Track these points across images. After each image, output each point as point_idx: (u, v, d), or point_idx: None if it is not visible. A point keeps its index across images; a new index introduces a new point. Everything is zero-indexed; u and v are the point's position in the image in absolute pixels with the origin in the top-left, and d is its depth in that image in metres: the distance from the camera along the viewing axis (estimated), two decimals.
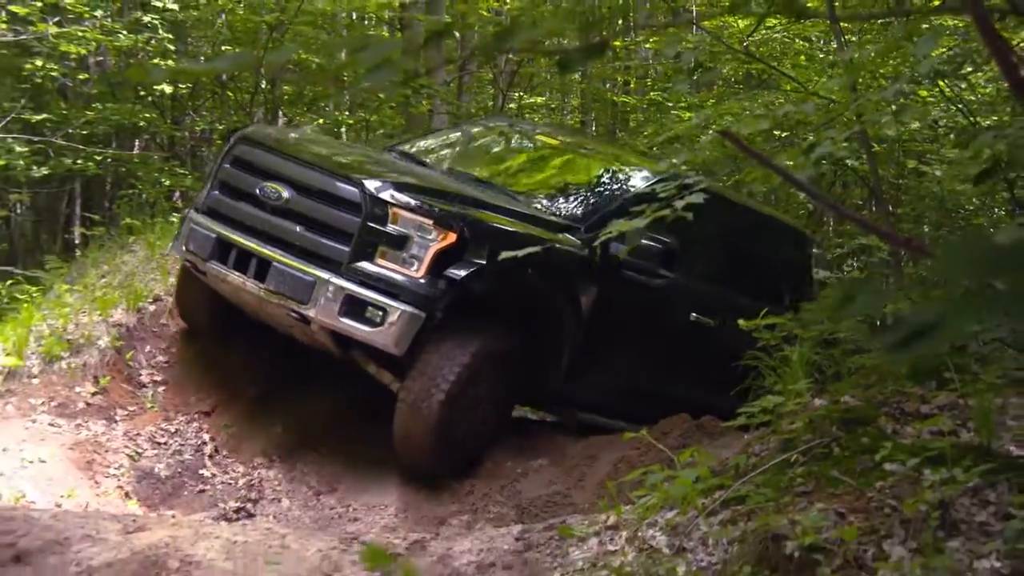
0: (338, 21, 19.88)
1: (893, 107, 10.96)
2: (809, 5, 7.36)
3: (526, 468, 8.65)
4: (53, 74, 16.52)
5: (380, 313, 7.91)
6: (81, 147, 16.66)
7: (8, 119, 15.91)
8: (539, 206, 9.63)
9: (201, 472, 8.79)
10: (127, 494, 8.20)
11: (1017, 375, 5.43)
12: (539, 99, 23.95)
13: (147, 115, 17.19)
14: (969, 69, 10.51)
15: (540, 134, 11.27)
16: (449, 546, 5.76)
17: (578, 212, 9.61)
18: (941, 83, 10.42)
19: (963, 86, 10.50)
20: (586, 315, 9.00)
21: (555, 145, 11.00)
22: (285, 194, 8.42)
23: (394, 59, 2.79)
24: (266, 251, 8.36)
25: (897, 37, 7.81)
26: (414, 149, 11.13)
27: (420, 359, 8.19)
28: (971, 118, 10.30)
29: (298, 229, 8.33)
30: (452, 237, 8.00)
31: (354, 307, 7.97)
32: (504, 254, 7.16)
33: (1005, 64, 2.55)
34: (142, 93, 17.84)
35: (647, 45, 16.33)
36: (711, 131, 11.51)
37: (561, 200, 9.98)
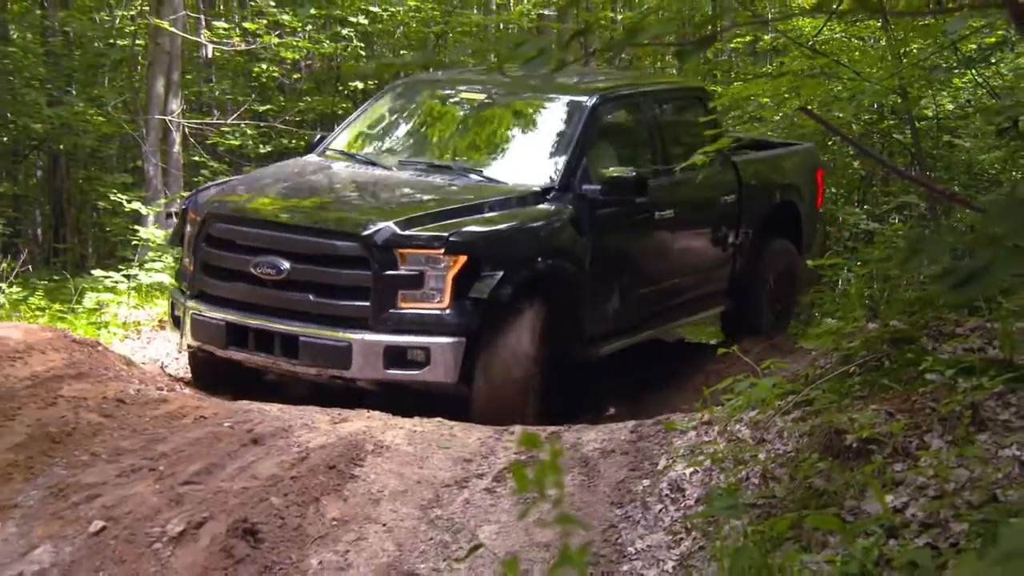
0: (488, 32, 19.85)
1: (932, 88, 10.85)
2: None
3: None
4: (274, 74, 18.36)
5: (422, 353, 6.79)
6: (295, 129, 17.62)
7: (242, 109, 17.47)
8: (507, 179, 7.99)
9: None
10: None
11: None
12: None
13: (344, 105, 17.73)
14: (993, 61, 10.34)
15: (464, 93, 9.26)
16: (579, 436, 5.84)
17: (548, 172, 7.92)
18: (971, 72, 10.29)
19: (988, 74, 10.32)
20: (589, 265, 7.72)
21: (481, 100, 9.01)
22: (284, 266, 6.99)
23: (547, 51, 2.89)
24: (286, 327, 7.01)
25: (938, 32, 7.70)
26: (351, 145, 8.95)
27: (484, 354, 6.93)
28: (996, 98, 10.17)
29: (311, 297, 7.02)
30: (462, 260, 6.83)
31: (396, 356, 6.81)
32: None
33: None
34: (340, 88, 18.71)
35: (732, 44, 16.28)
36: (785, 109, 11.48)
37: (520, 158, 8.32)
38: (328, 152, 8.79)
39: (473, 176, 8.06)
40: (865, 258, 9.24)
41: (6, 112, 16.29)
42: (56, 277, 13.32)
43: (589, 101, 8.30)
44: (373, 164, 8.52)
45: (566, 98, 8.58)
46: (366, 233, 6.94)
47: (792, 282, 10.23)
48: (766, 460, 4.67)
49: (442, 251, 6.83)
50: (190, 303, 7.35)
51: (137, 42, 17.50)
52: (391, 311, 6.87)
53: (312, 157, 8.83)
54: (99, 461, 5.49)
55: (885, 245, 9.47)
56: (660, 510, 4.69)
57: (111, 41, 17.87)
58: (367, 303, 6.88)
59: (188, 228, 7.64)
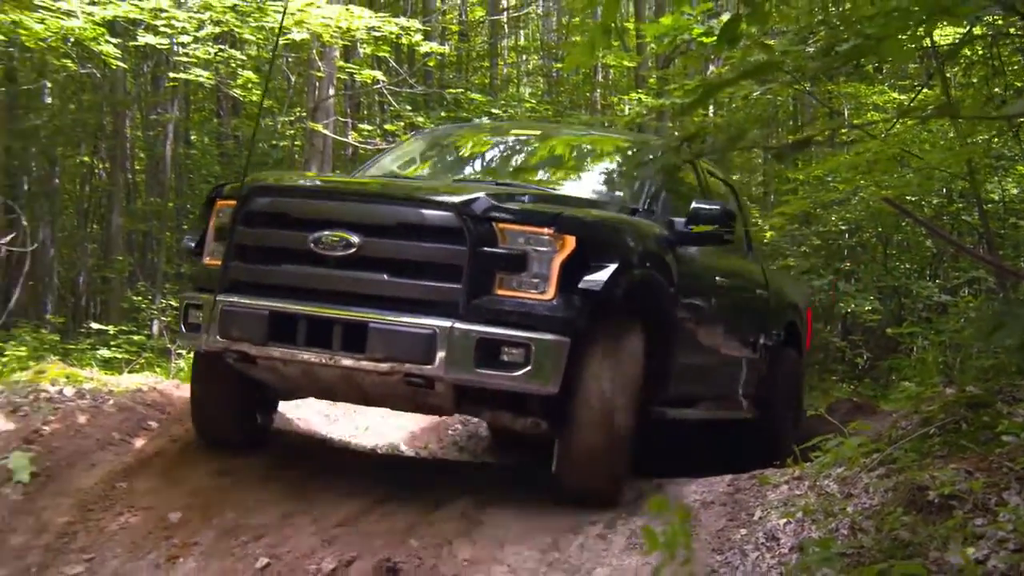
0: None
1: (997, 173, 10.62)
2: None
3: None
4: None
5: (522, 352, 4.94)
6: None
7: None
8: (594, 195, 6.38)
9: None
10: (460, 448, 8.27)
11: None
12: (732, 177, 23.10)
13: None
14: None
15: (511, 128, 8.02)
16: (680, 488, 5.77)
17: (627, 193, 6.41)
18: None
19: None
20: (679, 300, 6.03)
21: (536, 134, 7.40)
22: (354, 239, 5.14)
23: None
24: (353, 313, 5.12)
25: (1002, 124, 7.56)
26: (394, 167, 7.07)
27: (583, 378, 5.17)
28: None
29: (385, 277, 5.13)
30: (571, 243, 5.05)
31: (489, 352, 4.96)
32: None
33: None
34: None
35: (817, 137, 16.13)
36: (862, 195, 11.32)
37: (598, 184, 6.72)
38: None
39: (545, 191, 6.24)
40: (940, 327, 9.05)
41: (186, 204, 16.77)
42: None
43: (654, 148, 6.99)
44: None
45: (632, 144, 7.40)
46: (462, 200, 5.15)
47: (800, 403, 8.55)
48: (854, 513, 4.56)
49: (551, 230, 5.06)
50: (220, 296, 5.37)
51: (295, 143, 18.00)
52: (486, 297, 5.04)
53: None
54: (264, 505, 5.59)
55: (958, 316, 9.27)
56: (757, 557, 4.59)
57: (273, 143, 18.43)
58: (458, 285, 5.04)
59: (215, 219, 5.73)
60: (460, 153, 7.33)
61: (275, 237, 5.48)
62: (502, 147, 7.32)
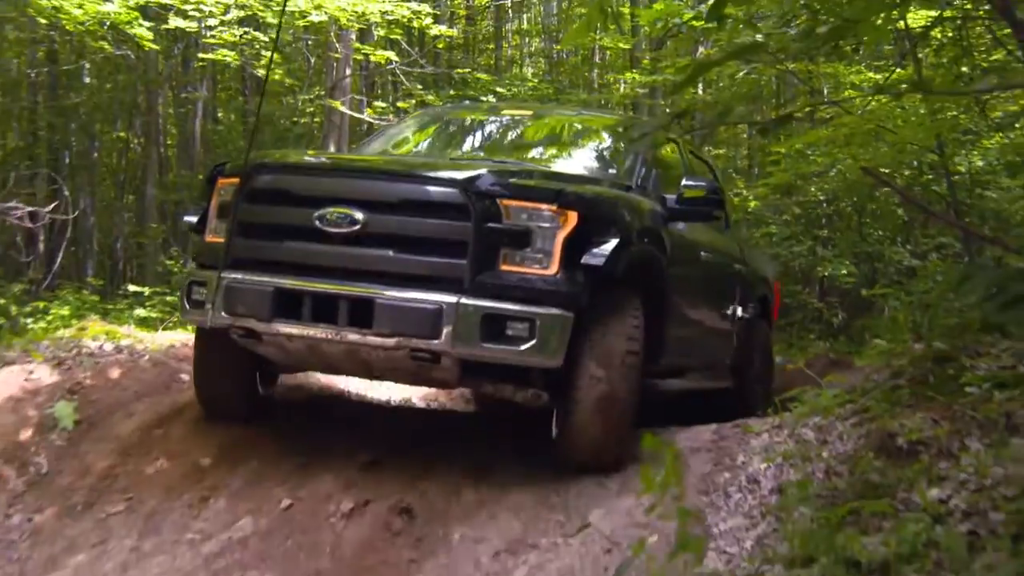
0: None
1: (964, 148, 10.59)
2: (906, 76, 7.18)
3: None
4: None
5: (527, 326, 4.70)
6: None
7: None
8: (589, 173, 6.07)
9: None
10: (468, 400, 7.97)
11: None
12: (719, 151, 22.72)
13: None
14: (1017, 125, 10.08)
15: (503, 108, 7.62)
16: (668, 437, 5.78)
17: (616, 170, 6.17)
18: (998, 135, 10.05)
19: (1013, 135, 10.07)
20: (668, 273, 5.70)
21: (528, 114, 7.10)
22: (359, 216, 4.84)
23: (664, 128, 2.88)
24: (359, 289, 4.82)
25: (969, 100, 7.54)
26: (389, 146, 6.76)
27: (586, 351, 4.94)
28: (1020, 157, 9.93)
29: (390, 254, 4.84)
30: (574, 219, 4.80)
31: (495, 326, 4.70)
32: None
33: None
34: None
35: (798, 113, 15.98)
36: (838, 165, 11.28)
37: (591, 162, 6.43)
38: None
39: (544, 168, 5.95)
40: (910, 289, 9.05)
41: None
42: None
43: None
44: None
45: (618, 123, 7.04)
46: (466, 176, 4.92)
47: (771, 371, 8.28)
48: (829, 458, 4.59)
49: (554, 206, 4.81)
50: (224, 274, 5.06)
51: (315, 119, 17.92)
52: (491, 272, 4.79)
53: None
54: (287, 453, 5.63)
55: (926, 279, 9.27)
56: (739, 498, 4.63)
57: (295, 119, 18.35)
58: (462, 261, 4.77)
59: (216, 198, 5.41)
60: (454, 132, 7.00)
61: (279, 214, 5.16)
62: (495, 126, 6.98)
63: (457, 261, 4.79)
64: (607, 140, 6.73)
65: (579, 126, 6.99)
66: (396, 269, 4.85)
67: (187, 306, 5.29)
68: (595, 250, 4.87)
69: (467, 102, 8.42)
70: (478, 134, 6.91)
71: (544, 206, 4.83)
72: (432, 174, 5.12)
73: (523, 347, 4.71)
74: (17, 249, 16.00)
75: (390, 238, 4.88)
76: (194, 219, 5.61)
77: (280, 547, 4.82)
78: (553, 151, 6.53)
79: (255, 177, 5.21)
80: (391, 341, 4.77)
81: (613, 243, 4.94)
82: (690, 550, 2.43)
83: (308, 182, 5.25)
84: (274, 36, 14.07)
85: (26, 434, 6.06)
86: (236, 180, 5.24)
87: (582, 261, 4.83)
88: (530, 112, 7.20)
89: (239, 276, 5.04)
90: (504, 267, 4.80)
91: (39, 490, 5.70)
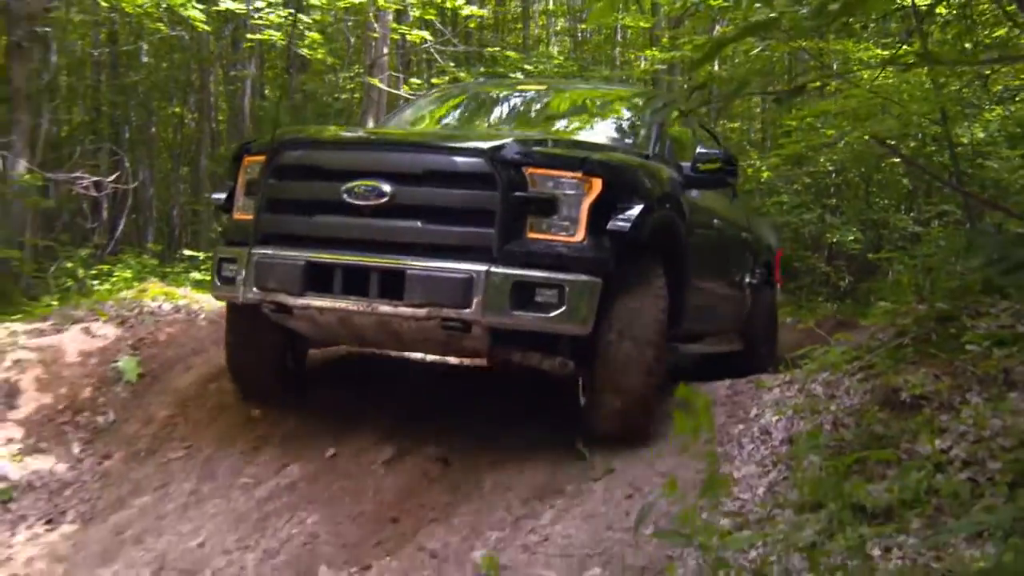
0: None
1: (967, 120, 10.42)
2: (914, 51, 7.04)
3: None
4: None
5: (556, 293, 4.42)
6: None
7: None
8: (609, 142, 5.70)
9: None
10: None
11: None
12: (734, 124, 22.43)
13: None
14: (1018, 99, 9.90)
15: (520, 84, 7.34)
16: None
17: (638, 140, 5.80)
18: (999, 108, 9.88)
19: (1013, 108, 9.90)
20: (687, 240, 5.43)
21: (543, 88, 6.80)
22: (387, 188, 4.56)
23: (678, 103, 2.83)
24: (390, 261, 4.55)
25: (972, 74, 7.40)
26: (411, 120, 6.50)
27: (611, 319, 4.67)
28: (1020, 128, 9.76)
29: (419, 224, 4.57)
30: (598, 186, 4.54)
31: (524, 294, 4.43)
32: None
33: None
34: None
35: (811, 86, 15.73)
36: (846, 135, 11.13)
37: (611, 132, 5.99)
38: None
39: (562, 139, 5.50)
40: (913, 254, 8.95)
41: None
42: None
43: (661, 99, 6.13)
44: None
45: (634, 95, 6.63)
46: (492, 146, 4.62)
47: (775, 334, 8.03)
48: (837, 411, 4.56)
49: (579, 174, 4.55)
50: (255, 249, 4.81)
51: (354, 95, 17.87)
52: (518, 240, 4.52)
53: None
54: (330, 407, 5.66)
55: (929, 243, 9.16)
56: (752, 448, 4.61)
57: (335, 95, 18.30)
58: (490, 230, 4.50)
59: (243, 176, 5.12)
60: (477, 106, 6.66)
61: (307, 189, 4.87)
62: (517, 100, 6.65)
63: (485, 230, 4.52)
64: (625, 112, 6.33)
65: (599, 99, 6.66)
66: (425, 240, 4.58)
67: (218, 283, 5.04)
68: (620, 216, 4.60)
69: (481, 79, 8.08)
70: (501, 107, 6.56)
71: (569, 174, 4.56)
72: (458, 144, 4.82)
73: (553, 314, 4.44)
74: (83, 216, 16.14)
75: (418, 209, 4.61)
76: (222, 197, 5.32)
77: (326, 491, 4.86)
78: (574, 123, 6.16)
79: (283, 153, 4.92)
80: (422, 311, 4.50)
81: (638, 209, 4.67)
82: (717, 489, 2.42)
83: (335, 156, 4.95)
84: (316, 17, 14.03)
85: (94, 386, 6.15)
86: (262, 157, 4.98)
87: (608, 227, 4.57)
88: (544, 87, 6.88)
89: (269, 251, 4.79)
90: (531, 235, 4.53)
91: (107, 437, 5.80)
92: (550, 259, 4.50)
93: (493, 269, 4.44)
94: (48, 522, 5.12)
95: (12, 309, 8.53)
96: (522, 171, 4.55)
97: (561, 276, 4.45)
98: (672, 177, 5.49)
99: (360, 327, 4.77)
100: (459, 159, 4.66)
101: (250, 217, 4.96)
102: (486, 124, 6.30)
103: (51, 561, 4.69)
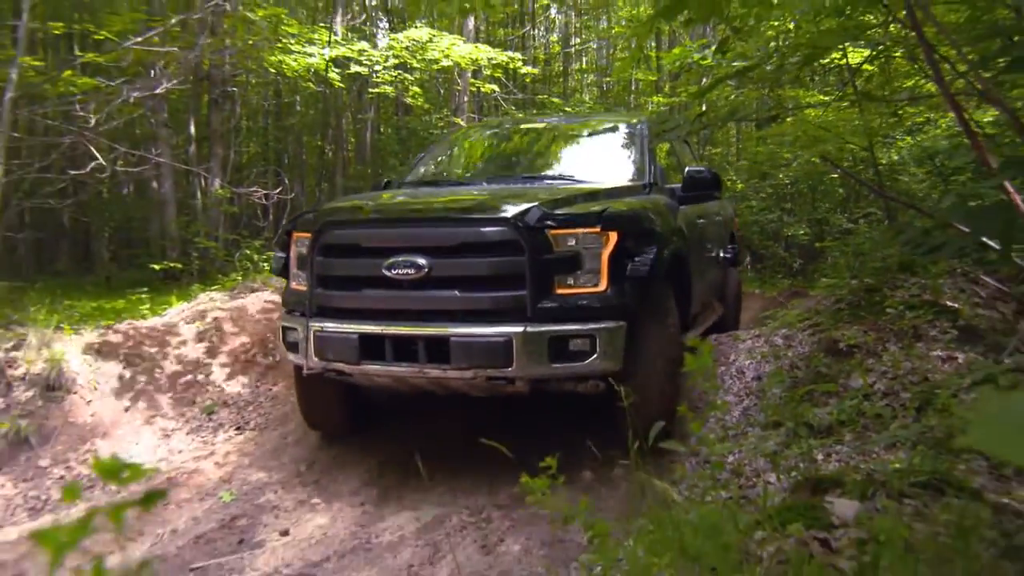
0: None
1: (887, 147, 10.09)
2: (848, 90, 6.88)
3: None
4: None
5: (587, 342, 3.61)
6: None
7: None
8: (601, 182, 4.53)
9: None
10: None
11: (954, 266, 5.01)
12: (716, 149, 21.81)
13: None
14: (923, 130, 9.57)
15: (523, 124, 5.88)
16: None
17: (637, 171, 4.80)
18: (908, 137, 9.59)
19: (919, 137, 9.59)
20: (689, 255, 4.65)
21: (543, 128, 5.59)
22: (423, 263, 3.71)
23: (682, 124, 2.82)
24: (432, 330, 3.68)
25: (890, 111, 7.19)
26: (426, 176, 5.32)
27: (638, 343, 3.82)
28: (930, 155, 9.46)
29: (456, 293, 3.70)
30: (615, 237, 3.71)
31: (559, 347, 3.60)
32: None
33: (962, 123, 2.39)
34: None
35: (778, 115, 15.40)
36: (798, 157, 10.87)
37: (602, 167, 4.86)
38: (406, 185, 5.15)
39: (568, 181, 4.61)
40: (847, 243, 8.74)
41: (379, 169, 16.88)
42: None
43: (641, 124, 5.31)
44: (462, 183, 4.90)
45: (621, 123, 5.43)
46: (515, 213, 3.70)
47: (739, 299, 7.11)
48: (792, 356, 4.53)
49: (597, 228, 3.70)
50: (312, 323, 3.95)
51: (443, 131, 17.87)
52: (548, 297, 3.66)
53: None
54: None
55: (859, 235, 8.95)
56: (731, 383, 4.59)
57: (430, 131, 18.30)
58: (523, 292, 3.64)
59: (294, 248, 4.24)
60: (486, 148, 5.59)
61: (351, 266, 3.94)
62: (519, 139, 5.57)
63: (518, 293, 3.65)
64: (622, 137, 5.27)
65: (588, 130, 5.57)
66: (463, 306, 3.70)
67: (285, 347, 4.19)
68: (638, 260, 3.78)
69: (488, 119, 7.19)
70: (507, 150, 5.49)
71: (588, 230, 3.71)
72: (484, 215, 3.80)
73: (587, 361, 3.62)
74: (257, 218, 16.46)
75: (453, 279, 3.73)
76: (281, 264, 4.37)
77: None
78: (575, 161, 5.13)
79: (325, 232, 4.03)
80: (469, 373, 3.64)
81: (652, 252, 3.85)
82: (718, 410, 2.42)
83: (373, 234, 3.96)
84: (418, 76, 14.04)
85: (268, 335, 6.27)
86: (308, 234, 4.11)
87: (628, 273, 3.74)
88: (543, 125, 5.71)
89: (325, 325, 3.92)
90: (559, 290, 3.67)
91: (276, 370, 5.88)
92: (578, 311, 3.67)
93: (529, 329, 3.59)
94: (237, 428, 5.21)
95: (211, 282, 8.78)
96: (545, 233, 3.68)
97: (591, 326, 3.63)
98: (671, 206, 4.62)
99: (413, 384, 3.87)
100: (487, 229, 3.72)
101: (304, 288, 4.11)
102: (499, 166, 5.24)
103: (240, 455, 4.80)
